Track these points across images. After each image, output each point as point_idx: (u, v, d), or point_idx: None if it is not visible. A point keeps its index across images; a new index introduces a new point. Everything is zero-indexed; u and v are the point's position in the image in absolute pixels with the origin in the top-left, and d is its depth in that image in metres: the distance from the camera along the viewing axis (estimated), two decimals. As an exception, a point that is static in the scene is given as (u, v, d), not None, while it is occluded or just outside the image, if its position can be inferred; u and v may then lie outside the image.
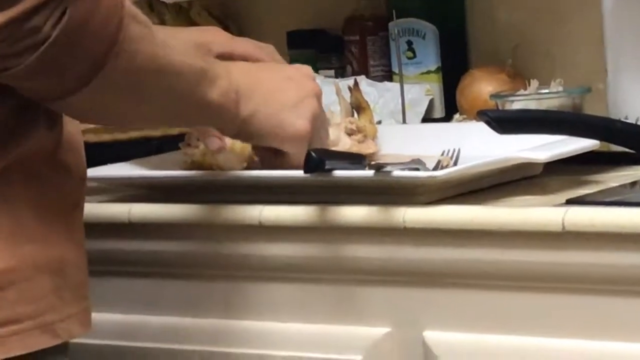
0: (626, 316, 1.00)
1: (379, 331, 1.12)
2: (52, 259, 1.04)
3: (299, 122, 1.17)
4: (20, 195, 1.03)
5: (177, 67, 1.08)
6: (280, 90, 1.19)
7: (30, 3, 0.92)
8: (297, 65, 1.33)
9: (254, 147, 1.22)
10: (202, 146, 1.24)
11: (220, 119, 1.14)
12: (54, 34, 0.94)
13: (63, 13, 0.94)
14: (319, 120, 1.20)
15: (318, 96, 1.21)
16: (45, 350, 1.03)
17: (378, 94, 1.51)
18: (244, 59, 1.26)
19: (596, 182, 1.14)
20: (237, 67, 1.18)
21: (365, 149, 1.22)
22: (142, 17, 1.05)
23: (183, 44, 1.17)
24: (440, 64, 1.57)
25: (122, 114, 1.12)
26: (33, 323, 1.01)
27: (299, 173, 1.09)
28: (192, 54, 1.13)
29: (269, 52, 1.29)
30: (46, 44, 0.94)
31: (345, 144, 1.21)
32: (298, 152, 1.18)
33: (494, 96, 1.39)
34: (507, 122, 1.17)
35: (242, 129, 1.15)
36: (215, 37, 1.31)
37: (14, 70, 0.95)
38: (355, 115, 1.30)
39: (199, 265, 1.21)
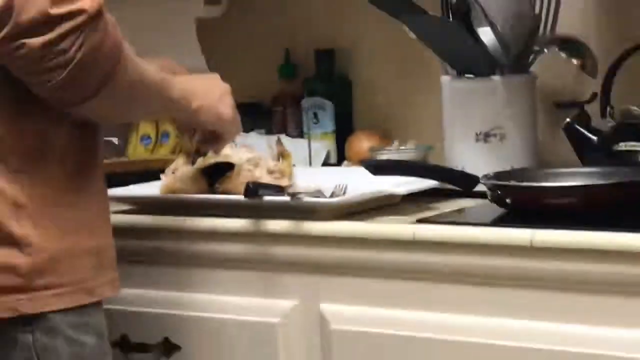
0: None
1: (290, 303, 1.22)
2: (95, 244, 1.10)
3: (228, 111, 1.25)
4: (74, 195, 1.11)
5: (152, 78, 1.13)
6: (209, 90, 1.25)
7: (61, 31, 0.97)
8: (210, 74, 1.41)
9: (198, 141, 1.30)
10: (176, 173, 1.32)
11: (179, 111, 1.22)
12: (78, 56, 0.99)
13: (83, 41, 0.99)
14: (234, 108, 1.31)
15: (229, 91, 1.28)
16: (87, 306, 1.10)
17: (293, 146, 1.51)
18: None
19: (437, 209, 1.25)
20: (180, 78, 1.25)
21: (281, 183, 1.28)
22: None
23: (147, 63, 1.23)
24: (335, 128, 1.70)
25: (120, 113, 1.18)
26: (75, 288, 1.08)
27: (241, 197, 1.19)
28: (155, 70, 1.19)
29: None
30: (72, 64, 0.99)
31: (265, 180, 1.27)
32: (232, 132, 1.28)
33: (371, 150, 1.56)
34: (379, 167, 1.30)
35: (193, 119, 1.23)
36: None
37: (50, 83, 1.00)
38: (281, 160, 1.36)
39: (177, 257, 1.33)
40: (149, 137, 1.74)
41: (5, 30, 0.93)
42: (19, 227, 1.01)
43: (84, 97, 0.98)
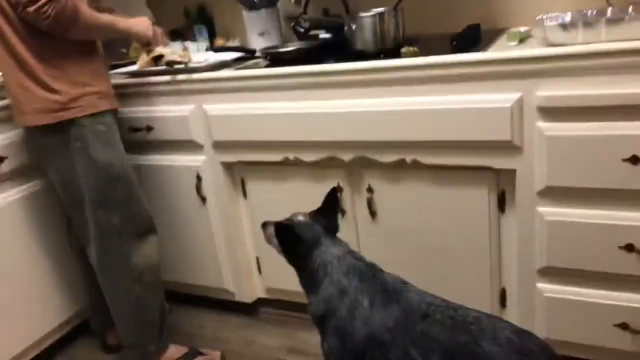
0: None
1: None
2: (97, 89, 1.68)
3: (149, 33, 1.83)
4: (85, 69, 1.64)
5: (103, 20, 1.64)
6: (140, 23, 1.80)
7: (41, 3, 1.46)
8: (143, 17, 1.84)
9: (145, 46, 1.90)
10: (142, 59, 2.00)
11: (128, 35, 1.78)
12: (52, 14, 1.48)
13: (54, 7, 1.47)
14: (154, 30, 1.81)
15: (150, 23, 1.81)
16: (97, 114, 1.65)
17: (192, 45, 2.29)
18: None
19: (248, 64, 2.00)
20: (124, 20, 1.70)
21: (184, 60, 1.98)
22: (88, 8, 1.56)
23: (107, 16, 1.65)
24: (208, 37, 2.47)
25: (91, 36, 1.64)
26: (89, 107, 1.63)
27: (168, 68, 1.94)
28: (111, 18, 1.67)
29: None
30: (51, 18, 1.49)
31: (178, 59, 1.97)
32: (157, 42, 1.87)
33: (219, 45, 2.22)
34: (218, 50, 2.16)
35: (136, 37, 1.82)
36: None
37: (44, 25, 1.49)
38: (184, 51, 2.02)
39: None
40: (136, 48, 2.42)
41: (19, 9, 1.47)
42: (56, 85, 1.60)
43: (63, 31, 1.55)
